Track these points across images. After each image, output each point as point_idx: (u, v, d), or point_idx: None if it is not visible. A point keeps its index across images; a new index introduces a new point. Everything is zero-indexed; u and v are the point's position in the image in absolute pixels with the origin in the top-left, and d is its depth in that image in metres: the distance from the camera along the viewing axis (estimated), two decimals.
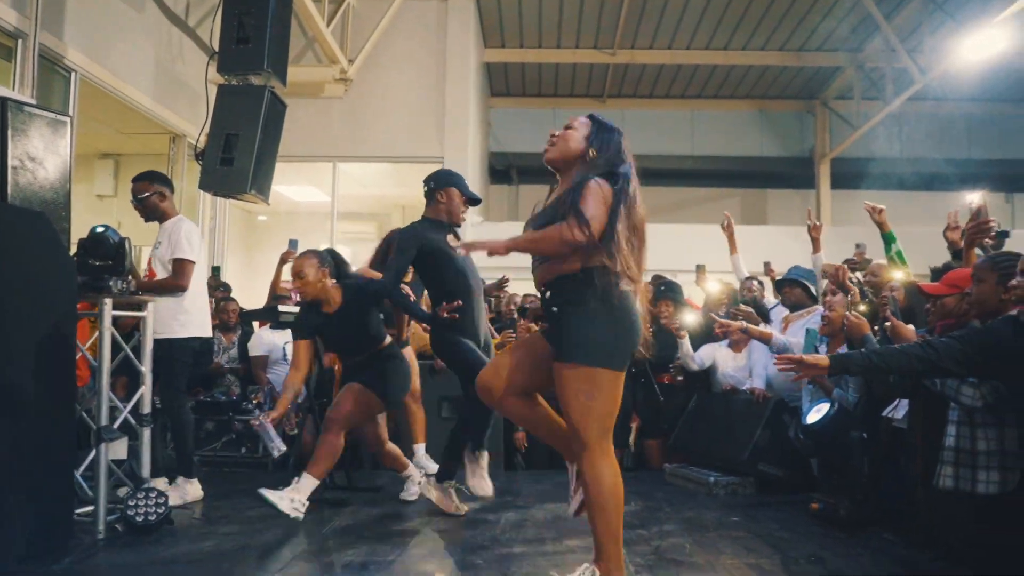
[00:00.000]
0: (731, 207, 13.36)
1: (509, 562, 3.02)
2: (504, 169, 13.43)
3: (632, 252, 2.58)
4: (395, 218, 11.34)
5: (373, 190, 11.03)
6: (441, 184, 3.84)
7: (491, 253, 2.55)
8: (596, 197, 2.55)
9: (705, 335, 5.36)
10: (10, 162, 3.84)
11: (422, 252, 3.71)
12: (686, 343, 5.12)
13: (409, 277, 3.97)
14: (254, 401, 5.57)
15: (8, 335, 2.88)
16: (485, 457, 3.80)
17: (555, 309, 2.62)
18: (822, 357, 2.84)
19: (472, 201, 3.92)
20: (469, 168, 9.16)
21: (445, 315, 3.58)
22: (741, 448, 4.53)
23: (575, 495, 2.85)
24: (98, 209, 8.53)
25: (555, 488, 4.52)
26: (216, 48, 5.65)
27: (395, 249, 3.80)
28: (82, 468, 3.54)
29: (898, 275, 4.08)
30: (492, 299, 6.22)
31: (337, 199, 9.65)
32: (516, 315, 6.11)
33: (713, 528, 3.63)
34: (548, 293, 2.67)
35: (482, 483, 3.74)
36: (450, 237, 3.62)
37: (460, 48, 9.59)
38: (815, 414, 3.98)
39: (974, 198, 3.68)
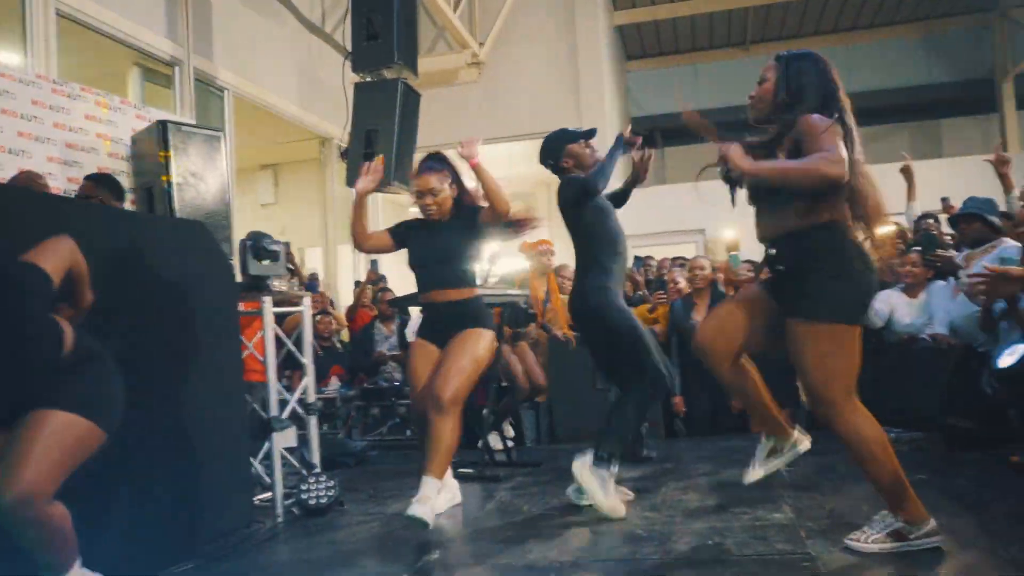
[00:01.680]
0: (899, 144, 12.33)
1: (670, 533, 2.92)
2: (648, 134, 13.08)
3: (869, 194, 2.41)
4: (540, 196, 11.34)
5: (516, 170, 11.07)
6: (555, 153, 3.72)
7: (733, 168, 2.42)
8: (829, 133, 2.34)
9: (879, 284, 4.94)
10: (175, 179, 4.17)
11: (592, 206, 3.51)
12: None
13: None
14: None
15: (176, 336, 3.11)
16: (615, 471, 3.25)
17: (781, 268, 2.50)
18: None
19: (587, 134, 3.75)
20: (609, 135, 8.99)
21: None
22: (925, 400, 4.14)
23: (755, 465, 2.72)
24: (262, 217, 9.15)
25: (718, 454, 4.34)
26: (350, 48, 5.86)
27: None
28: (259, 457, 3.79)
29: None
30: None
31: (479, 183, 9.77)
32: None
33: None
34: (775, 251, 2.54)
35: (616, 503, 3.17)
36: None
37: (589, 13, 9.40)
38: (1009, 356, 3.56)
39: None
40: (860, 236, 2.45)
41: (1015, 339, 3.63)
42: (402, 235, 3.62)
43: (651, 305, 5.40)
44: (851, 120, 2.46)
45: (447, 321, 3.38)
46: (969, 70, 12.08)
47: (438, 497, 3.17)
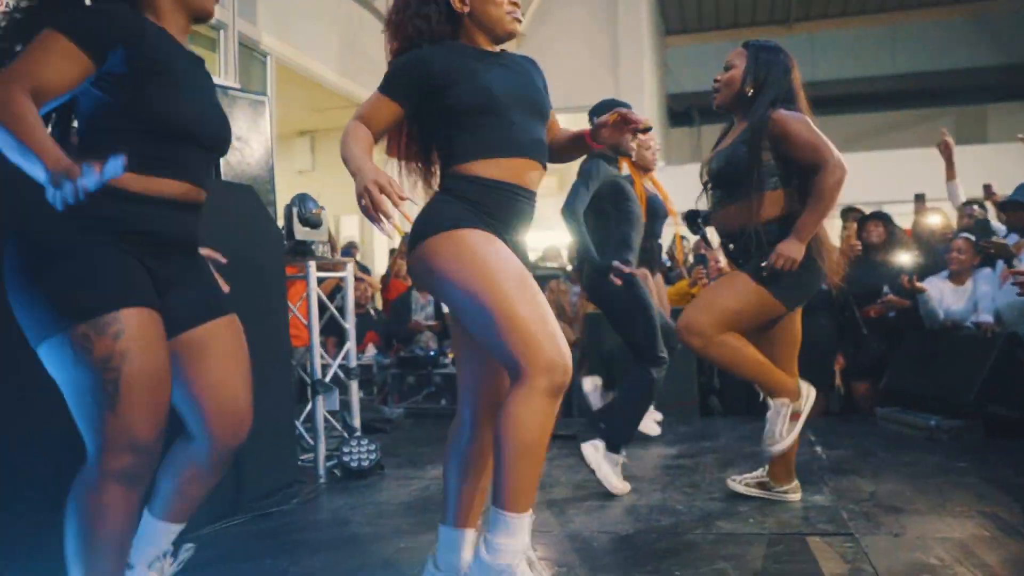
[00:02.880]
0: (944, 127, 12.10)
1: (711, 511, 2.94)
2: (684, 110, 12.95)
3: None
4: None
5: None
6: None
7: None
8: (806, 126, 2.63)
9: (925, 272, 4.88)
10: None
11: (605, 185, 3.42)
12: (929, 299, 4.57)
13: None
14: (450, 355, 5.80)
15: (230, 299, 3.15)
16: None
17: (741, 262, 2.75)
18: None
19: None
20: (646, 111, 8.90)
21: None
22: (967, 387, 4.10)
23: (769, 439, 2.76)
24: (299, 183, 9.18)
25: (756, 432, 4.33)
26: None
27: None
28: (302, 418, 3.86)
29: None
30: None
31: None
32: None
33: (937, 474, 3.32)
34: (733, 246, 2.79)
35: (619, 482, 3.18)
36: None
37: None
38: None
39: None
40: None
41: None
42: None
43: (691, 280, 5.39)
44: (800, 106, 2.72)
45: None
46: (1017, 53, 11.77)
47: None
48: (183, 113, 1.60)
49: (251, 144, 4.35)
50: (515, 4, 1.93)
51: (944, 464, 3.49)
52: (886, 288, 4.77)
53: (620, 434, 3.22)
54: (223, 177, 4.13)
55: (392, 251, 7.76)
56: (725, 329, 2.67)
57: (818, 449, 3.92)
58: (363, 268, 7.42)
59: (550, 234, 6.76)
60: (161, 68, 1.56)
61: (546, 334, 1.67)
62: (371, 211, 1.63)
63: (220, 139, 1.75)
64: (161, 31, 1.62)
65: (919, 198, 6.13)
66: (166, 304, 1.63)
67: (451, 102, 1.83)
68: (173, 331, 1.65)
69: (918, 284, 4.61)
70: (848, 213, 5.70)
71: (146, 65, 1.54)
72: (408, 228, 1.84)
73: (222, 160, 4.20)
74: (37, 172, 1.31)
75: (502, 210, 1.84)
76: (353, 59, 7.42)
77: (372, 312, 6.74)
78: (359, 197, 1.65)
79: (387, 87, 1.88)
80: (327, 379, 3.91)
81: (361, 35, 7.53)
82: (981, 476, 3.23)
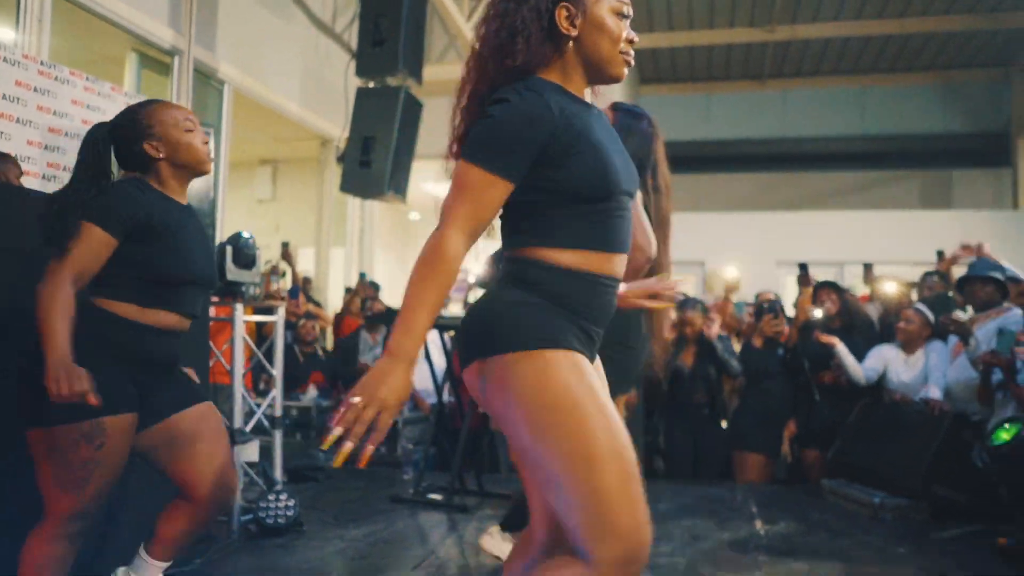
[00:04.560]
0: (908, 190, 12.21)
1: None
2: None
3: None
4: None
5: None
6: None
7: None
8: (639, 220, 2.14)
9: (876, 339, 4.82)
10: None
11: None
12: (842, 351, 4.58)
13: None
14: None
15: None
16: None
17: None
18: None
19: None
20: None
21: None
22: (914, 468, 3.99)
23: None
24: (258, 213, 9.03)
25: (697, 502, 4.19)
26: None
27: None
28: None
29: None
30: None
31: None
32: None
33: (875, 562, 3.19)
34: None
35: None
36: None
37: None
38: (1005, 432, 3.42)
39: None
40: None
41: (1009, 412, 3.49)
42: None
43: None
44: (661, 180, 2.60)
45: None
46: (984, 122, 11.97)
47: None
48: (178, 265, 2.01)
49: None
50: (632, 42, 1.52)
51: (884, 549, 3.37)
52: (836, 351, 4.68)
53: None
54: None
55: (349, 289, 7.59)
56: None
57: (758, 523, 3.77)
58: (315, 303, 7.23)
59: None
60: (161, 232, 1.97)
61: (632, 518, 1.33)
62: (349, 426, 1.29)
63: (209, 279, 2.15)
64: (163, 199, 2.03)
65: (867, 268, 6.11)
66: (149, 401, 2.02)
67: (564, 176, 1.42)
68: (161, 417, 2.05)
69: (826, 338, 4.57)
70: (803, 275, 5.62)
71: (149, 232, 1.96)
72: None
73: None
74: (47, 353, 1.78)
75: (601, 312, 1.49)
76: (316, 90, 7.31)
77: (320, 351, 6.55)
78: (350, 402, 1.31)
79: (501, 162, 1.38)
80: (250, 427, 3.71)
81: (326, 67, 7.43)
82: (920, 567, 3.10)
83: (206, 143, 2.11)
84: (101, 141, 2.04)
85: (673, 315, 4.72)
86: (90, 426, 1.86)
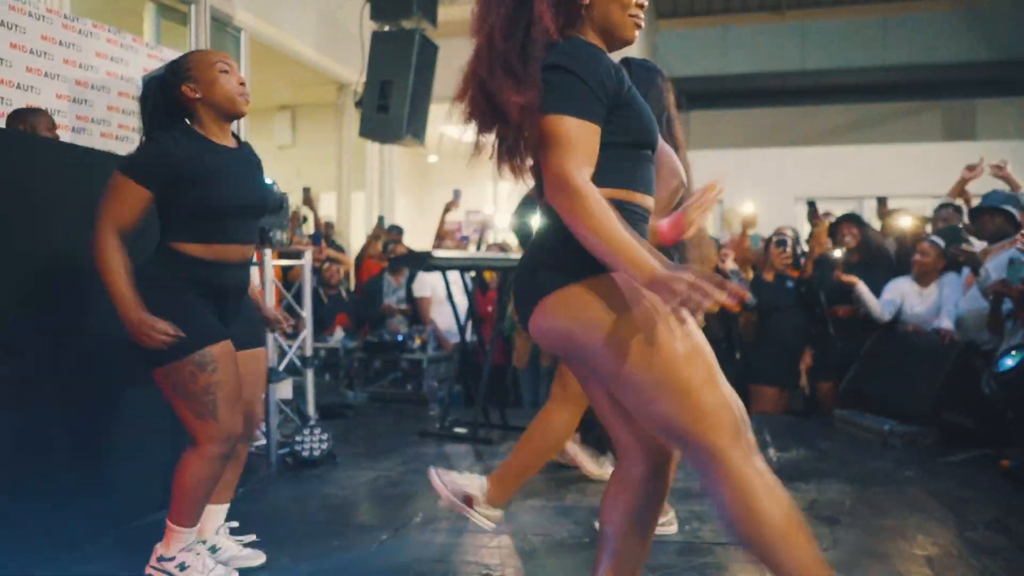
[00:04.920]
0: (931, 122, 12.03)
1: None
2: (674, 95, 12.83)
3: None
4: None
5: None
6: None
7: None
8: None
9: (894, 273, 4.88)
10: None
11: None
12: (863, 290, 4.65)
13: None
14: (417, 341, 5.78)
15: None
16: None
17: None
18: None
19: None
20: None
21: None
22: (924, 395, 4.11)
23: None
24: (280, 158, 9.11)
25: None
26: None
27: None
28: None
29: None
30: None
31: None
32: None
33: (881, 483, 3.33)
34: None
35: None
36: None
37: None
38: (1011, 359, 3.52)
39: None
40: None
41: (1018, 341, 3.58)
42: None
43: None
44: (678, 134, 2.61)
45: None
46: (1010, 49, 11.69)
47: None
48: (220, 200, 2.15)
49: None
50: (641, 6, 1.57)
51: (891, 473, 3.51)
52: (856, 289, 4.76)
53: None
54: None
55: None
56: None
57: (771, 451, 3.93)
58: (338, 247, 7.36)
59: None
60: (195, 175, 2.12)
61: (721, 400, 1.41)
62: (702, 302, 1.30)
63: (258, 207, 2.30)
64: (200, 143, 2.17)
65: (881, 201, 6.11)
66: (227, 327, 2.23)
67: (625, 125, 1.51)
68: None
69: (847, 277, 4.64)
70: (811, 211, 5.65)
71: (183, 177, 2.11)
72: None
73: None
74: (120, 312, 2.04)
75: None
76: (331, 35, 7.31)
77: (344, 294, 6.70)
78: (674, 299, 1.31)
79: (587, 108, 1.43)
80: (283, 367, 3.89)
81: (340, 11, 7.41)
82: (925, 488, 3.25)
83: (242, 84, 2.23)
84: (152, 94, 2.22)
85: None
86: (199, 356, 2.08)
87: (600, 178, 1.46)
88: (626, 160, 1.53)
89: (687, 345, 1.43)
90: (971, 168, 4.86)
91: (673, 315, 1.38)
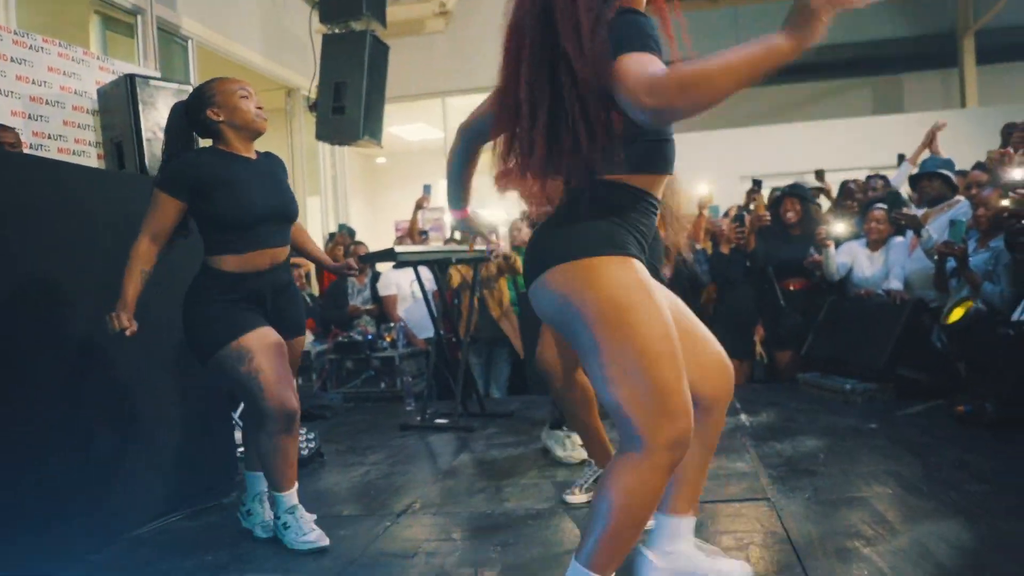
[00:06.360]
0: (861, 98, 12.48)
1: None
2: None
3: None
4: None
5: None
6: None
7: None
8: None
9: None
10: (144, 134, 4.12)
11: None
12: (831, 252, 4.86)
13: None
14: (387, 339, 5.84)
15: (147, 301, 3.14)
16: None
17: None
18: None
19: None
20: None
21: None
22: (879, 353, 4.35)
23: (580, 490, 2.87)
24: None
25: None
26: None
27: None
28: (239, 411, 3.87)
29: None
30: None
31: (449, 134, 9.72)
32: None
33: (850, 436, 3.54)
34: None
35: (579, 453, 3.38)
36: None
37: None
38: (957, 312, 3.76)
39: None
40: None
41: (963, 296, 3.82)
42: None
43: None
44: None
45: None
46: (931, 24, 12.21)
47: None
48: (243, 209, 2.39)
49: None
50: None
51: (856, 426, 3.72)
52: (812, 250, 4.98)
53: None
54: (148, 170, 4.07)
55: (331, 235, 7.71)
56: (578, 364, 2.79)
57: (742, 417, 4.11)
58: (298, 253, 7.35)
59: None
60: (217, 186, 2.37)
61: (681, 407, 1.51)
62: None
63: (283, 213, 2.52)
64: (224, 158, 2.45)
65: (819, 173, 6.41)
66: (283, 317, 2.55)
67: None
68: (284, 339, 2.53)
69: (824, 239, 4.86)
70: (753, 188, 5.90)
71: (208, 189, 2.37)
72: None
73: (146, 150, 4.14)
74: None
75: (648, 229, 1.67)
76: (278, 40, 7.29)
77: (307, 298, 6.71)
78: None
79: (654, 44, 1.44)
80: (236, 414, 3.92)
81: (285, 16, 7.39)
82: (889, 438, 3.46)
83: (260, 107, 2.53)
84: (177, 120, 2.51)
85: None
86: (235, 351, 2.37)
87: (630, 161, 1.55)
88: (646, 140, 1.60)
89: (668, 345, 1.51)
90: (938, 127, 5.43)
91: (660, 308, 1.52)
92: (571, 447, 3.40)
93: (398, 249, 4.29)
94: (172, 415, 3.14)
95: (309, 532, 2.51)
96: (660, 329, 1.51)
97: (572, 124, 1.46)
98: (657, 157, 1.64)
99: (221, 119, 2.46)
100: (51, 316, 2.57)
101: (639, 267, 1.57)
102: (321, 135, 5.83)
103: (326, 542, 2.50)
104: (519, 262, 4.94)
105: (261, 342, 2.40)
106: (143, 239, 2.38)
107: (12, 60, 4.08)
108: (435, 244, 6.67)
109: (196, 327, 2.44)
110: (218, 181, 2.39)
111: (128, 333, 2.28)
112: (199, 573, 2.40)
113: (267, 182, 2.51)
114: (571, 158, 1.50)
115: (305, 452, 3.70)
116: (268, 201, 2.47)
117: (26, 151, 4.00)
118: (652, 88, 1.31)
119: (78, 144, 4.43)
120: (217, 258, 2.44)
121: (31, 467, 2.42)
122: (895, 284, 4.63)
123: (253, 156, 2.54)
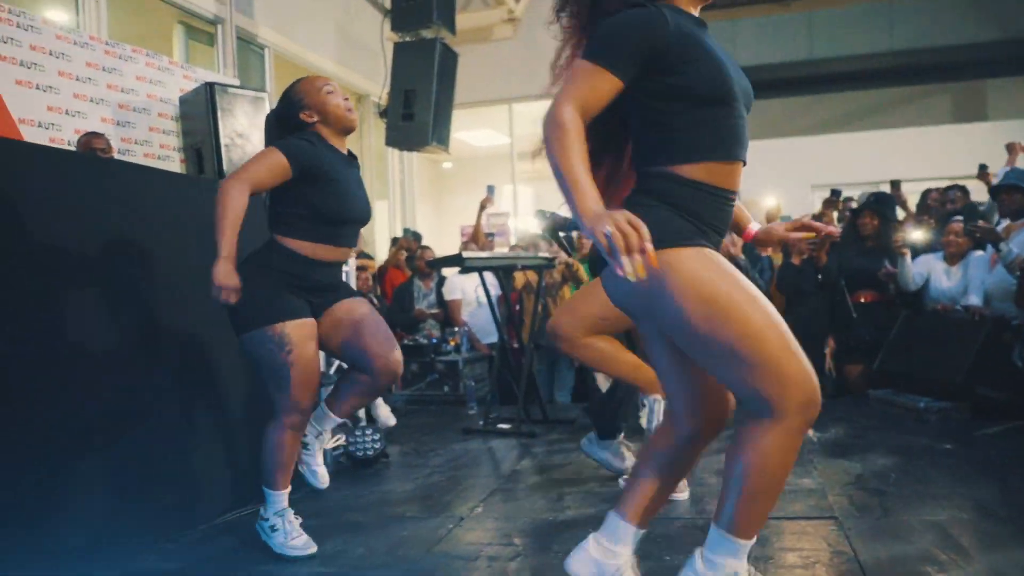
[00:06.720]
0: (941, 105, 12.06)
1: (703, 495, 3.04)
2: None
3: None
4: None
5: None
6: None
7: None
8: None
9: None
10: (222, 140, 4.29)
11: None
12: (907, 262, 4.75)
13: None
14: (451, 343, 5.90)
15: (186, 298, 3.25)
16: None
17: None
18: None
19: None
20: None
21: None
22: (956, 370, 4.20)
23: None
24: None
25: None
26: (389, 7, 5.88)
27: None
28: (334, 368, 4.02)
29: None
30: None
31: (515, 140, 9.79)
32: None
33: (923, 456, 3.43)
34: None
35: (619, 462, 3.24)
36: None
37: None
38: None
39: None
40: None
41: None
42: None
43: None
44: None
45: None
46: (1015, 28, 11.71)
47: None
48: (341, 206, 2.42)
49: (252, 140, 4.44)
50: None
51: (930, 446, 3.60)
52: (886, 261, 4.86)
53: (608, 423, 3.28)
54: (224, 171, 4.23)
55: (395, 240, 7.84)
56: (590, 332, 2.80)
57: (810, 432, 4.01)
58: (366, 255, 7.50)
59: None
60: (327, 176, 2.38)
61: (798, 370, 1.51)
62: (619, 250, 1.33)
63: (363, 219, 2.54)
64: (331, 149, 2.45)
65: (895, 184, 6.22)
66: (317, 304, 2.47)
67: (684, 84, 1.55)
68: (322, 310, 2.48)
69: (900, 250, 4.74)
70: (830, 199, 5.76)
71: (319, 175, 2.37)
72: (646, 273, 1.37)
73: (224, 155, 4.31)
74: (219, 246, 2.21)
75: (721, 223, 1.65)
76: (349, 48, 7.46)
77: (374, 300, 6.83)
78: (595, 232, 1.36)
79: (608, 55, 1.51)
80: (332, 371, 4.02)
81: (357, 24, 7.56)
82: (964, 459, 3.34)
83: (347, 99, 2.52)
84: (273, 130, 2.53)
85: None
86: (276, 334, 2.33)
87: (671, 150, 1.59)
88: (698, 123, 1.58)
89: (762, 315, 1.53)
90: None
91: (750, 288, 1.53)
92: (629, 458, 3.35)
93: (466, 255, 4.34)
94: (241, 408, 3.25)
95: (297, 537, 2.50)
96: (757, 308, 1.52)
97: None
98: (721, 138, 1.60)
99: (315, 119, 2.45)
100: (120, 315, 2.69)
101: (713, 253, 1.57)
102: (391, 141, 5.95)
103: (314, 548, 2.50)
104: (582, 271, 4.94)
105: (303, 336, 2.37)
106: (242, 181, 2.25)
107: (103, 69, 4.30)
108: (500, 250, 6.72)
109: (246, 297, 2.30)
110: (329, 173, 2.40)
111: (235, 300, 2.23)
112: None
113: (361, 186, 2.56)
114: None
115: (371, 452, 3.78)
116: (361, 205, 2.52)
117: (115, 156, 4.20)
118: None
119: (162, 149, 4.64)
120: (293, 241, 2.40)
121: (116, 452, 2.54)
122: (974, 299, 4.47)
123: (346, 153, 2.55)
